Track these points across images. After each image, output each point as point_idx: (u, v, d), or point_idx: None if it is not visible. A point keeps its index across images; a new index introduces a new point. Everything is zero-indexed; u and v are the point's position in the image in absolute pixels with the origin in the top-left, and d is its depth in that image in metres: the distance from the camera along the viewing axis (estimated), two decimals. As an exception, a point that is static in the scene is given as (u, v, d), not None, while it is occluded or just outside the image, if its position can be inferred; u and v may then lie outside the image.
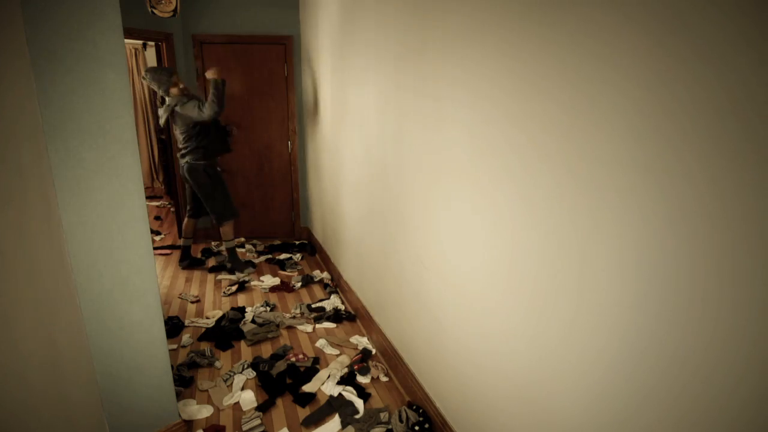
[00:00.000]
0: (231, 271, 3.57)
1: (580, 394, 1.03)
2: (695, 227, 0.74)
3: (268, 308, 2.97)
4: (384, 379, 2.23)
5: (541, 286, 1.13)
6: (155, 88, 3.20)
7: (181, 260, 3.71)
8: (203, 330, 2.69)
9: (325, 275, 3.50)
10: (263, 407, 2.00)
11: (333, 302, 3.06)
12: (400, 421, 1.84)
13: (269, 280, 3.44)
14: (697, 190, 0.73)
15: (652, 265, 0.82)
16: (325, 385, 2.16)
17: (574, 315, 1.02)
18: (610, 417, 0.95)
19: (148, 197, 6.24)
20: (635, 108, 0.82)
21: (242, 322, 2.77)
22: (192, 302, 3.08)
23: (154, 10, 3.12)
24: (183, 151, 3.31)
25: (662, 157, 0.78)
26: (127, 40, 5.12)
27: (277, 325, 2.73)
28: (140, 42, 5.97)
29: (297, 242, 4.33)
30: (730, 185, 0.68)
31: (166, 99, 3.23)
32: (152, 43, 5.41)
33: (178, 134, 3.29)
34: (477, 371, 1.47)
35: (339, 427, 1.89)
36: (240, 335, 2.63)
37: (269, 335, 2.62)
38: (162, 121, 3.34)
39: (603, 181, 0.91)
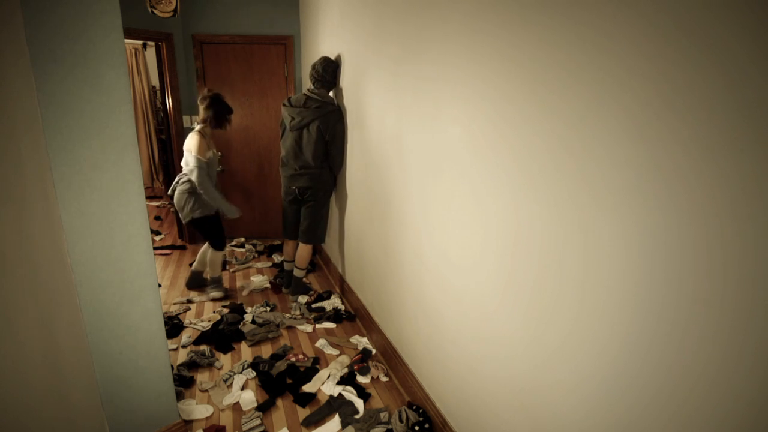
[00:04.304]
0: (291, 293, 3.18)
1: (580, 402, 1.02)
2: (698, 223, 0.74)
3: (268, 308, 2.97)
4: (384, 379, 2.23)
5: (541, 289, 1.12)
6: (316, 68, 2.74)
7: (287, 285, 3.26)
8: (200, 333, 2.67)
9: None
10: (263, 407, 2.00)
11: (333, 302, 3.06)
12: (400, 421, 1.84)
13: (258, 280, 3.43)
14: (702, 183, 0.73)
15: (654, 266, 0.82)
16: (325, 385, 2.16)
17: (575, 320, 1.01)
18: (611, 424, 0.95)
19: (148, 197, 6.25)
20: (637, 101, 0.82)
21: (242, 323, 2.76)
22: (183, 310, 2.98)
23: (154, 10, 3.12)
24: (309, 166, 2.85)
25: (664, 151, 0.78)
26: (127, 40, 5.12)
27: (277, 325, 2.73)
28: (140, 42, 5.98)
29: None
30: (737, 179, 0.68)
31: (312, 96, 2.74)
32: (152, 43, 5.42)
33: (309, 146, 2.79)
34: (475, 377, 1.47)
35: (339, 427, 1.89)
36: (240, 336, 2.62)
37: (269, 335, 2.62)
38: (294, 123, 2.79)
39: (608, 180, 0.91)
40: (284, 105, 2.86)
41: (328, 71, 2.75)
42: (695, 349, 0.75)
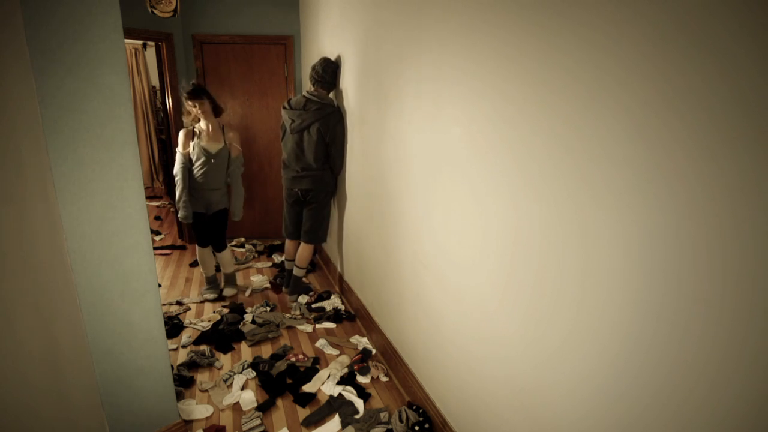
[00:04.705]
0: (290, 293, 3.15)
1: (580, 402, 1.02)
2: (697, 223, 0.74)
3: (268, 308, 2.97)
4: (384, 379, 2.23)
5: (541, 289, 1.12)
6: (316, 68, 2.72)
7: (287, 285, 3.25)
8: (200, 333, 2.67)
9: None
10: (263, 407, 2.00)
11: (333, 302, 3.06)
12: (400, 421, 1.84)
13: (257, 280, 3.42)
14: (701, 183, 0.73)
15: (653, 266, 0.82)
16: (325, 385, 2.16)
17: (575, 320, 1.01)
18: (611, 424, 0.95)
19: (148, 197, 6.25)
20: (639, 104, 0.82)
21: (242, 323, 2.77)
22: (182, 310, 2.96)
23: (154, 10, 3.12)
24: (311, 169, 2.85)
25: (663, 151, 0.78)
26: (127, 40, 5.12)
27: (277, 325, 2.73)
28: (140, 42, 5.98)
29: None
30: (736, 180, 0.68)
31: (311, 98, 2.72)
32: (152, 43, 5.42)
33: (310, 148, 2.78)
34: (475, 377, 1.47)
35: (339, 427, 1.89)
36: (240, 336, 2.62)
37: (269, 335, 2.62)
38: (294, 126, 2.77)
39: (607, 180, 0.91)
40: (284, 108, 2.86)
41: (328, 72, 2.75)
42: (695, 350, 0.75)
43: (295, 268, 3.10)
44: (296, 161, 2.86)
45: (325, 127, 2.71)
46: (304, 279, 3.22)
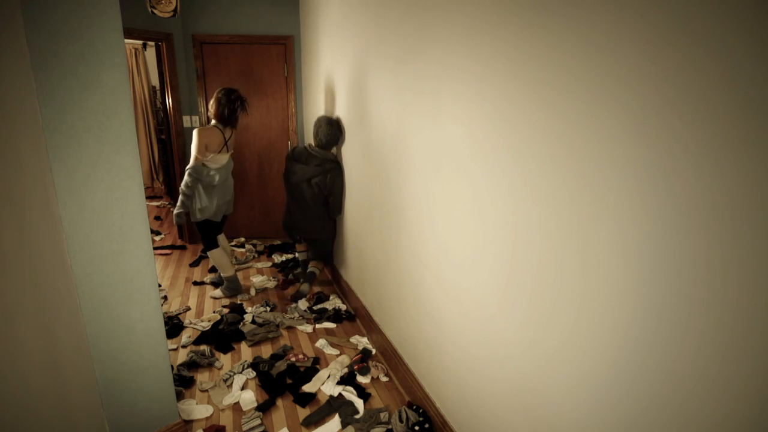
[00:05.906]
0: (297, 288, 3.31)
1: (581, 402, 1.02)
2: (697, 223, 0.74)
3: (268, 308, 2.97)
4: (384, 379, 2.23)
5: (541, 289, 1.12)
6: (319, 136, 2.89)
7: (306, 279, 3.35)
8: (200, 333, 2.67)
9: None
10: (263, 407, 2.00)
11: (333, 302, 3.06)
12: (400, 421, 1.84)
13: (257, 280, 3.42)
14: (702, 183, 0.73)
15: (653, 266, 0.82)
16: (325, 385, 2.16)
17: (575, 320, 1.01)
18: (611, 424, 0.95)
19: (148, 197, 6.24)
20: (639, 104, 0.82)
21: (242, 323, 2.77)
22: (182, 310, 2.98)
23: (154, 10, 3.12)
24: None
25: (664, 150, 0.78)
26: (127, 40, 5.12)
27: (277, 325, 2.73)
28: (140, 42, 5.98)
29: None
30: (737, 179, 0.68)
31: (314, 154, 2.91)
32: (152, 43, 5.42)
33: (311, 194, 2.99)
34: (475, 377, 1.47)
35: (339, 427, 1.89)
36: (240, 336, 2.62)
37: (269, 335, 2.62)
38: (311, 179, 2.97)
39: (605, 181, 0.91)
40: (287, 157, 3.09)
41: (331, 136, 2.90)
42: (695, 350, 0.75)
43: (311, 267, 3.27)
44: (297, 207, 3.10)
45: (323, 182, 2.94)
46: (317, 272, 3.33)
